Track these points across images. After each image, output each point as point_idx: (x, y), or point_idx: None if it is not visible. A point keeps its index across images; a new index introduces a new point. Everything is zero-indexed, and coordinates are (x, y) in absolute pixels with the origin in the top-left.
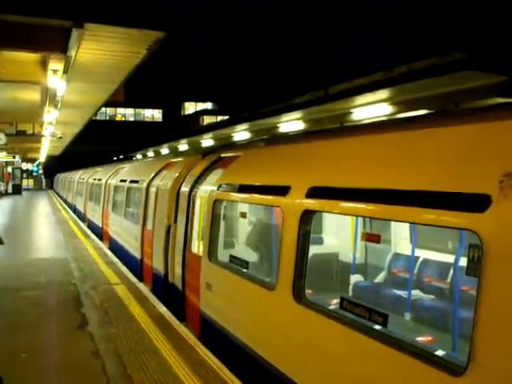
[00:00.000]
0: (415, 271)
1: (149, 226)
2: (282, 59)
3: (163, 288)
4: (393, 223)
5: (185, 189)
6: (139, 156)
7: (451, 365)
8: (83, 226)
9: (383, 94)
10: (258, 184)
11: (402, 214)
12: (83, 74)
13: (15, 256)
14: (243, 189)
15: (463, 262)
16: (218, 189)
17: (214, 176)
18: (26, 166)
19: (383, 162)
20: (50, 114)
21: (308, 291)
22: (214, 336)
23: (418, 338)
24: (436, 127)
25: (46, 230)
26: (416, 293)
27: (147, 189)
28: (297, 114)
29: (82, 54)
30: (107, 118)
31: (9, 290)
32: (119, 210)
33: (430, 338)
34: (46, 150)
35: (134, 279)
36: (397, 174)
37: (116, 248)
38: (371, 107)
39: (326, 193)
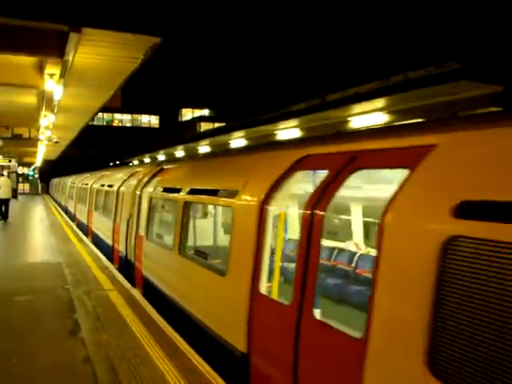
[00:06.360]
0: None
1: (118, 220)
2: (280, 66)
3: (125, 264)
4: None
5: (138, 191)
6: (135, 162)
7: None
8: (77, 230)
9: (380, 102)
10: (171, 186)
11: None
12: (80, 78)
13: (9, 260)
14: (165, 190)
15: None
16: (153, 190)
17: (154, 181)
18: (21, 170)
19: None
20: (47, 119)
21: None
22: (149, 290)
23: None
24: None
25: (40, 234)
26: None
27: (117, 191)
28: (292, 122)
29: (79, 58)
30: (104, 123)
31: (1, 294)
32: (99, 209)
33: None
34: (42, 154)
35: (127, 285)
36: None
37: (97, 240)
38: (368, 116)
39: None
